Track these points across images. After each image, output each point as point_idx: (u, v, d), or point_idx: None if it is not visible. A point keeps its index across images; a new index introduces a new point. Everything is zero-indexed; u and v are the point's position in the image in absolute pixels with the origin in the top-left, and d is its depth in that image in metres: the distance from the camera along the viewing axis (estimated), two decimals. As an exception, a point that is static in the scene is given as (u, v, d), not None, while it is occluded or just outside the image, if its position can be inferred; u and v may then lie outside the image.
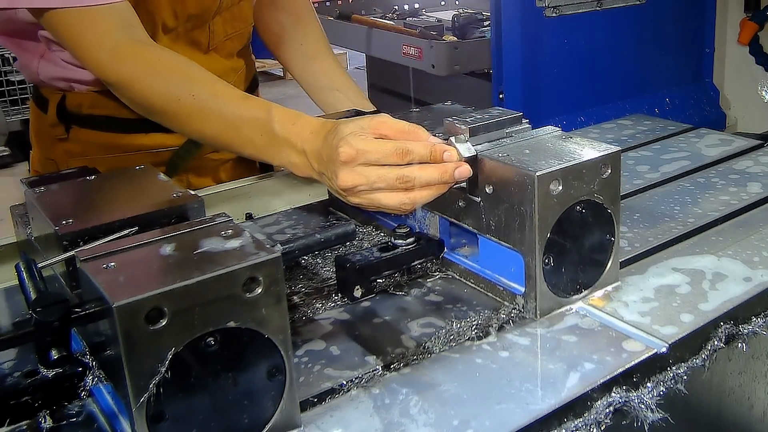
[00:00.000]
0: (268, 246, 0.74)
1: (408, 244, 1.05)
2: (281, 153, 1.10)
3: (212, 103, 1.14)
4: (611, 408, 0.81)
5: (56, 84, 1.38)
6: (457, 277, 1.07)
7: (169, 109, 1.16)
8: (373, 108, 1.52)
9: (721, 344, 0.92)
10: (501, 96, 1.73)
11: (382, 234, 1.22)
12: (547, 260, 0.93)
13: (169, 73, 1.17)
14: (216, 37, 1.44)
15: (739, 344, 0.94)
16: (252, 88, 1.61)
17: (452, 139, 0.99)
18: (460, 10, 2.62)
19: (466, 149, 0.98)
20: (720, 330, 0.93)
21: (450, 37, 2.33)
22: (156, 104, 1.18)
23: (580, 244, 0.96)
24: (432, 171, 0.96)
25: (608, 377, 0.83)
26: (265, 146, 1.11)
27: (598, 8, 1.81)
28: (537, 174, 0.89)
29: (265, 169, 1.58)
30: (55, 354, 0.77)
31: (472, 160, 0.97)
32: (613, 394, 0.82)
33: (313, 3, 3.14)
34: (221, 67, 1.42)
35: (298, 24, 1.63)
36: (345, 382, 0.83)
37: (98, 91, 1.36)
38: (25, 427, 0.78)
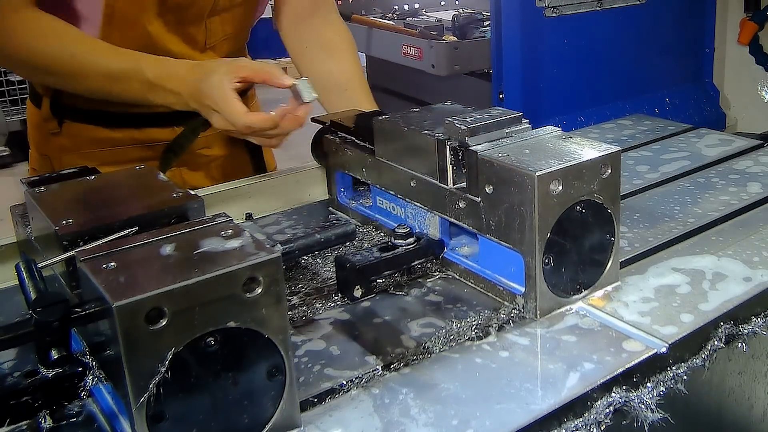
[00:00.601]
0: (268, 246, 0.74)
1: (408, 244, 1.05)
2: (158, 96, 1.25)
3: (89, 60, 1.25)
4: (611, 408, 0.81)
5: None
6: (457, 277, 1.07)
7: (53, 69, 1.27)
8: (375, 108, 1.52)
9: (721, 344, 0.92)
10: (501, 96, 1.73)
11: (382, 234, 1.22)
12: (547, 260, 0.93)
13: (49, 36, 1.25)
14: (213, 36, 1.44)
15: (739, 344, 0.94)
16: (249, 86, 1.61)
17: (297, 83, 1.20)
18: (460, 10, 2.62)
19: (309, 95, 1.20)
20: (720, 330, 0.93)
21: (450, 37, 2.33)
22: (40, 65, 1.27)
23: (580, 244, 0.96)
24: (289, 124, 1.23)
25: (608, 377, 0.83)
26: (143, 92, 1.25)
27: (598, 8, 1.81)
28: (537, 174, 0.89)
29: (259, 167, 1.58)
30: (55, 354, 0.77)
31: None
32: (613, 394, 0.82)
33: (313, 3, 3.12)
34: None
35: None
36: (345, 382, 0.83)
37: None
38: (25, 427, 0.78)
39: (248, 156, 1.60)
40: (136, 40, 1.33)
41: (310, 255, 1.13)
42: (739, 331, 0.94)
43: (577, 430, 0.79)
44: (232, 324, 0.70)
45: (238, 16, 1.47)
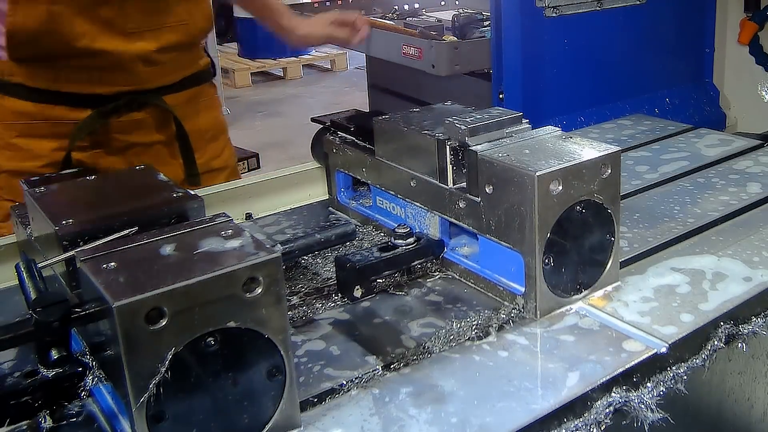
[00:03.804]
0: (268, 246, 0.74)
1: (408, 244, 1.05)
2: None
3: None
4: (611, 408, 0.81)
5: None
6: (457, 277, 1.07)
7: None
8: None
9: (721, 344, 0.92)
10: (501, 96, 1.73)
11: (382, 234, 1.22)
12: (547, 260, 0.93)
13: None
14: (132, 21, 1.43)
15: (739, 344, 0.94)
16: (194, 81, 1.61)
17: None
18: (460, 10, 2.61)
19: None
20: (720, 330, 0.93)
21: (450, 37, 2.33)
22: None
23: (580, 244, 0.96)
24: None
25: (608, 377, 0.83)
26: None
27: (598, 8, 1.80)
28: (537, 174, 0.89)
29: (189, 160, 1.57)
30: (55, 354, 0.77)
31: None
32: (613, 394, 0.82)
33: (313, 3, 3.14)
34: (145, 55, 1.45)
35: None
36: (345, 382, 0.83)
37: (17, 59, 1.39)
38: (25, 427, 0.78)
39: (177, 146, 1.58)
40: (38, 18, 1.34)
41: (310, 255, 1.13)
42: (739, 331, 0.94)
43: (577, 430, 0.79)
44: (232, 324, 0.70)
45: (164, 8, 1.47)
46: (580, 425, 0.79)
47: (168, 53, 1.50)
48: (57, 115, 1.44)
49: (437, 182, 1.06)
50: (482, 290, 1.03)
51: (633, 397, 0.83)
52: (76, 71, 1.42)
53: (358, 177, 1.25)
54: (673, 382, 0.86)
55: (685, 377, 0.87)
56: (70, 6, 1.36)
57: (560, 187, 0.91)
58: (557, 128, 1.04)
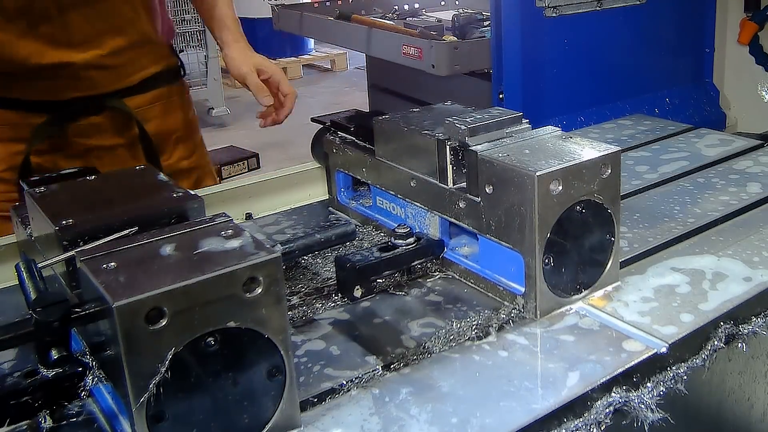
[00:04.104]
0: (268, 246, 0.74)
1: (408, 244, 1.05)
2: None
3: None
4: (611, 408, 0.81)
5: None
6: (457, 277, 1.07)
7: None
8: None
9: (721, 344, 0.92)
10: (501, 96, 1.73)
11: (382, 234, 1.22)
12: (547, 260, 0.93)
13: None
14: (79, 33, 1.43)
15: (739, 344, 0.94)
16: (157, 82, 1.60)
17: None
18: (460, 10, 2.61)
19: None
20: (720, 330, 0.93)
21: (450, 37, 2.33)
22: None
23: (580, 244, 0.96)
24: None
25: (608, 377, 0.83)
26: None
27: (598, 8, 1.80)
28: (537, 174, 0.89)
29: (153, 165, 1.55)
30: (55, 354, 0.77)
31: None
32: (613, 394, 0.82)
33: (314, 3, 3.13)
34: (98, 61, 1.45)
35: None
36: (345, 382, 0.83)
37: None
38: (25, 427, 0.78)
39: (142, 151, 1.57)
40: None
41: (310, 255, 1.13)
42: (739, 331, 0.94)
43: (577, 430, 0.79)
44: (232, 324, 0.70)
45: (105, 11, 1.46)
46: (580, 425, 0.79)
47: (121, 56, 1.50)
48: (14, 121, 1.44)
49: (437, 182, 1.06)
50: (482, 290, 1.03)
51: (633, 397, 0.83)
52: (31, 81, 1.42)
53: (358, 177, 1.25)
54: (673, 382, 0.86)
55: (685, 377, 0.87)
56: (9, 32, 1.37)
57: (560, 187, 0.91)
58: (557, 128, 1.04)
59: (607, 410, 0.81)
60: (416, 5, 3.04)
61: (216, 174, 1.87)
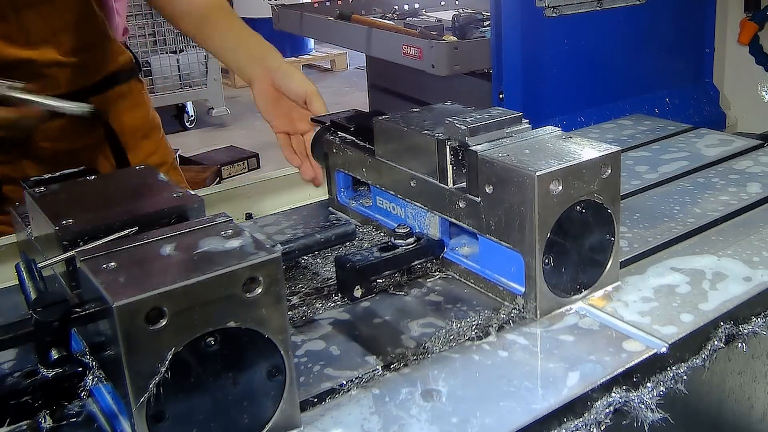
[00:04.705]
0: (268, 246, 0.74)
1: (408, 244, 1.05)
2: None
3: None
4: (611, 408, 0.81)
5: None
6: (457, 277, 1.07)
7: None
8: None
9: (721, 344, 0.92)
10: (501, 96, 1.73)
11: (382, 234, 1.22)
12: (547, 260, 0.93)
13: None
14: (33, 31, 1.42)
15: (739, 344, 0.94)
16: (117, 79, 1.60)
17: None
18: (460, 10, 2.62)
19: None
20: (720, 330, 0.93)
21: (450, 37, 2.33)
22: None
23: (580, 244, 0.96)
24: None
25: (608, 377, 0.83)
26: None
27: (598, 8, 1.80)
28: (537, 174, 0.89)
29: (122, 164, 1.55)
30: (55, 354, 0.77)
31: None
32: (613, 394, 0.82)
33: (314, 3, 3.14)
34: (59, 59, 1.43)
35: None
36: (345, 382, 0.83)
37: None
38: (25, 427, 0.78)
39: (109, 151, 1.56)
40: None
41: (310, 255, 1.13)
42: (739, 331, 0.94)
43: (577, 430, 0.79)
44: (232, 324, 0.70)
45: (62, 7, 1.44)
46: (580, 425, 0.79)
47: (81, 54, 1.49)
48: None
49: (437, 182, 1.06)
50: (482, 290, 1.03)
51: (633, 397, 0.83)
52: None
53: (358, 177, 1.25)
54: (673, 382, 0.86)
55: (685, 377, 0.87)
56: None
57: (560, 187, 0.91)
58: (557, 128, 1.04)
59: (607, 410, 0.81)
60: (416, 5, 3.04)
61: (209, 172, 1.86)
